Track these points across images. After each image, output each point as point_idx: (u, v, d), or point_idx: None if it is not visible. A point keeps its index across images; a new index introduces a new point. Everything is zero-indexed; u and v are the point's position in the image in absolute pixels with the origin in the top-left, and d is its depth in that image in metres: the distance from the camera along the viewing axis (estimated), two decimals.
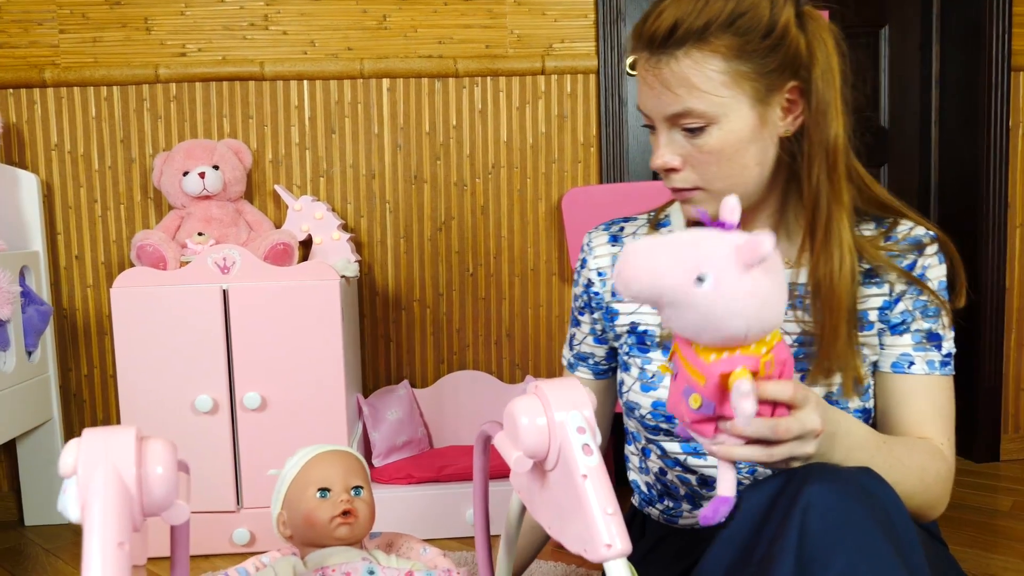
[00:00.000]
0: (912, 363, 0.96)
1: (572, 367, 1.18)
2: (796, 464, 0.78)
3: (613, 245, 1.09)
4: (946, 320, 0.97)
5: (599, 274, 1.08)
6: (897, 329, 0.97)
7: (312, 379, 1.87)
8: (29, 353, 2.03)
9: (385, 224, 2.24)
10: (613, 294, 1.07)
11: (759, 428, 0.74)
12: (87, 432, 0.74)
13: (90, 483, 0.70)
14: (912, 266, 0.97)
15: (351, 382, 2.03)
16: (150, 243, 1.88)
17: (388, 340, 2.28)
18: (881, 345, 0.98)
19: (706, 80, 0.86)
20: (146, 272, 1.84)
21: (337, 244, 2.12)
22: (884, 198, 0.99)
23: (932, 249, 0.97)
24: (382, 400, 2.18)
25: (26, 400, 1.97)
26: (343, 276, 1.93)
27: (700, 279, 0.71)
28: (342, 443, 1.89)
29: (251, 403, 1.84)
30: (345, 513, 1.07)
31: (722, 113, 0.87)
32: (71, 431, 2.16)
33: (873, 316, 0.97)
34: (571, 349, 1.17)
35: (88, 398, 2.18)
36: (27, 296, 2.00)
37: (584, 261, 1.12)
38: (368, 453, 2.11)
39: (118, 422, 2.01)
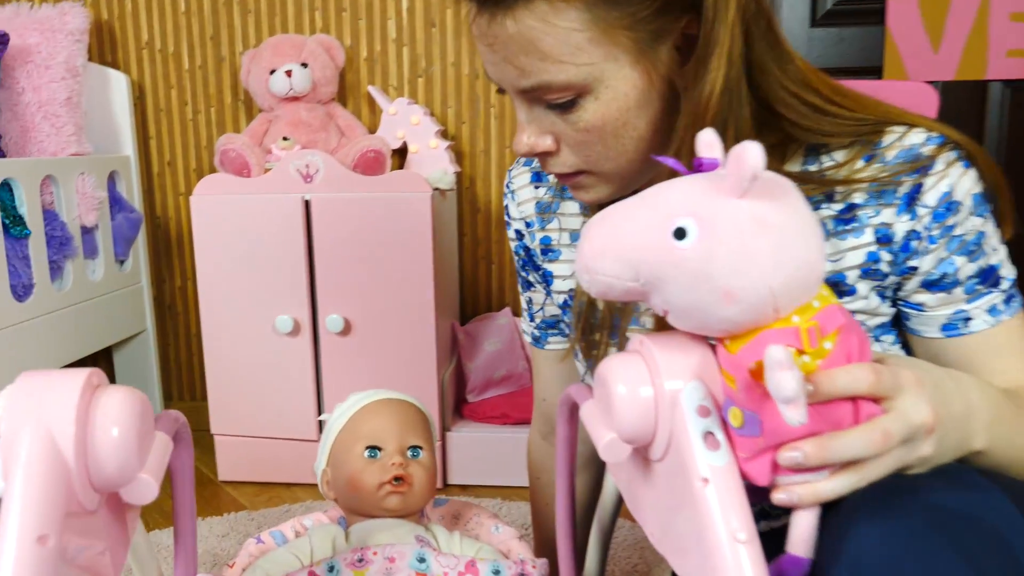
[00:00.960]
0: (969, 319, 0.69)
1: (540, 341, 0.97)
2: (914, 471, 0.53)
3: (537, 186, 0.87)
4: (992, 239, 0.68)
5: (527, 224, 0.89)
6: (937, 286, 0.69)
7: (401, 302, 1.69)
8: (121, 262, 1.96)
9: (489, 131, 1.99)
10: (544, 249, 0.87)
11: (849, 446, 0.48)
12: (22, 377, 0.56)
13: (12, 449, 0.52)
14: (915, 192, 0.66)
15: (446, 307, 1.84)
16: (233, 148, 1.72)
17: (489, 262, 2.06)
18: (899, 303, 0.71)
19: (562, 43, 0.62)
20: (225, 179, 1.69)
21: (434, 153, 1.89)
22: (864, 113, 0.68)
23: (944, 158, 0.66)
24: (480, 329, 1.98)
25: (118, 310, 1.91)
26: (436, 188, 1.71)
27: (679, 233, 0.48)
28: (431, 375, 1.72)
29: (334, 326, 1.68)
30: (397, 480, 0.87)
31: (594, 80, 0.64)
32: (165, 343, 2.11)
33: (853, 277, 0.70)
34: (531, 320, 0.97)
35: (182, 310, 2.10)
36: (116, 203, 1.91)
37: (507, 209, 0.91)
38: (461, 387, 1.93)
39: None
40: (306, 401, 1.72)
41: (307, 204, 1.67)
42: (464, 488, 1.76)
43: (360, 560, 0.81)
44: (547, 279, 0.90)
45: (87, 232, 1.79)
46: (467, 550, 0.88)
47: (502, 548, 0.92)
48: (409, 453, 0.90)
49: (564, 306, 0.90)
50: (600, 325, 0.82)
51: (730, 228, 0.47)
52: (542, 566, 0.86)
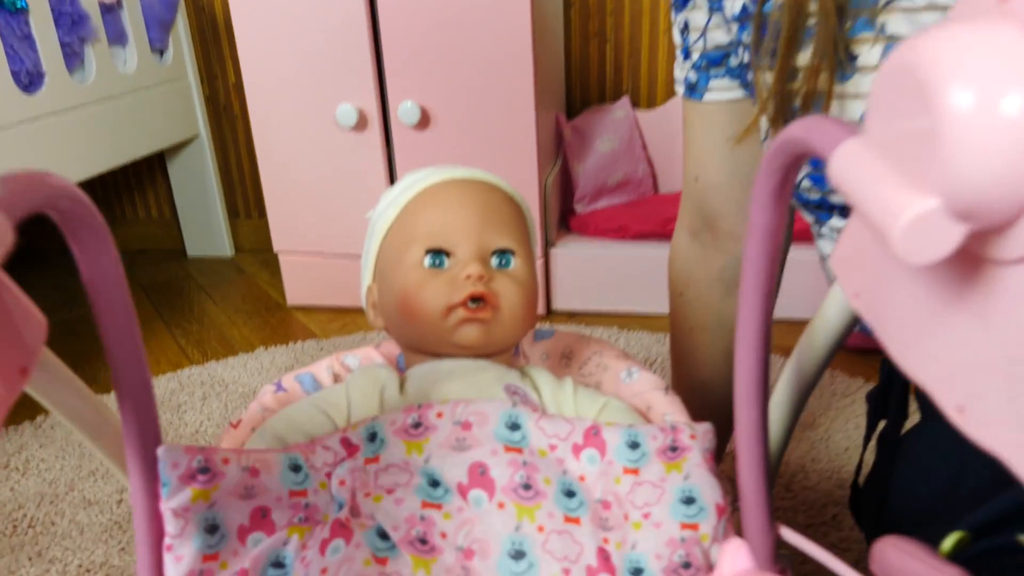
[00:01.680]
0: None
1: (696, 90, 0.68)
2: None
3: None
4: None
5: None
6: None
7: (491, 88, 1.32)
8: (160, 52, 1.65)
9: None
10: None
11: None
12: None
13: None
14: None
15: (549, 95, 1.45)
16: None
17: (603, 39, 1.64)
18: None
19: None
20: None
21: None
22: None
23: None
24: (592, 123, 1.60)
25: (162, 110, 1.62)
26: None
27: None
28: (531, 180, 1.37)
29: (408, 117, 1.34)
30: (475, 301, 0.54)
31: None
32: (224, 150, 1.83)
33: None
34: (685, 58, 0.68)
35: (240, 112, 1.80)
36: None
37: None
38: (568, 194, 1.58)
39: None
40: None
41: None
42: (571, 316, 1.46)
43: (416, 425, 0.50)
44: None
45: (108, 11, 1.47)
46: (585, 407, 0.57)
47: (638, 404, 0.60)
48: (494, 260, 0.57)
49: (742, 18, 0.58)
50: (815, 39, 0.52)
51: None
52: (705, 434, 0.53)
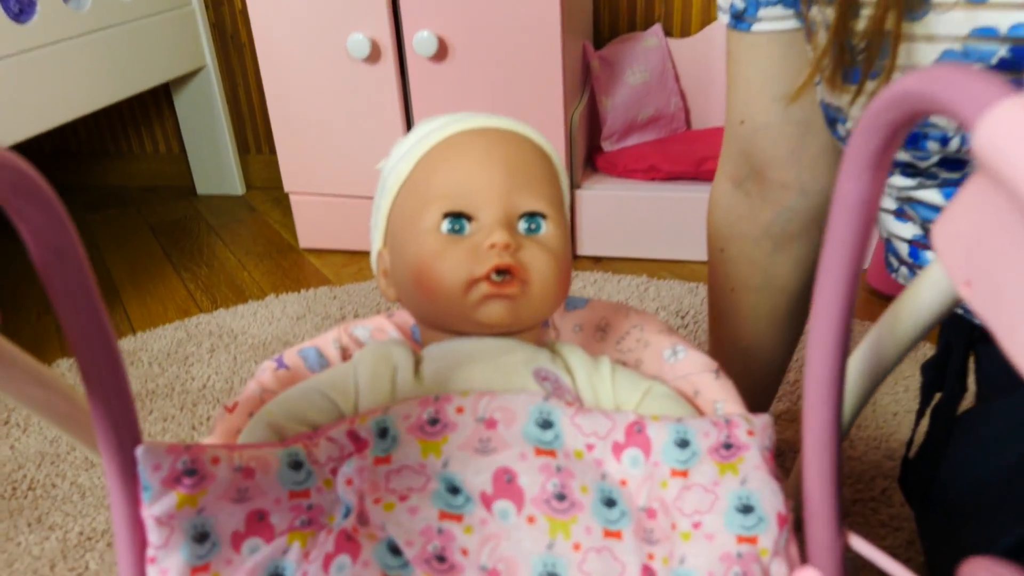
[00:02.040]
0: None
1: (743, 18, 0.60)
2: None
3: None
4: None
5: None
6: None
7: (513, 15, 1.22)
8: None
9: None
10: None
11: None
12: None
13: None
14: None
15: (575, 23, 1.35)
16: None
17: None
18: None
19: None
20: None
21: None
22: None
23: None
24: (621, 53, 1.49)
25: (165, 39, 1.53)
26: None
27: None
28: (557, 115, 1.28)
29: (424, 47, 1.24)
30: (500, 274, 0.47)
31: None
32: (232, 81, 1.74)
33: None
34: None
35: (247, 40, 1.70)
36: None
37: None
38: (595, 131, 1.49)
39: None
40: (389, 146, 1.34)
41: None
42: (596, 261, 1.38)
43: (433, 422, 0.44)
44: None
45: None
46: (625, 394, 0.50)
47: (683, 388, 0.53)
48: (522, 225, 0.50)
49: None
50: None
51: None
52: (764, 429, 0.47)
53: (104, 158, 1.89)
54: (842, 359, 0.38)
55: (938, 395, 0.60)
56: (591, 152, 1.48)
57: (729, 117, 0.65)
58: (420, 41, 1.24)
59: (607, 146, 1.47)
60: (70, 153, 1.90)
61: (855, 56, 0.49)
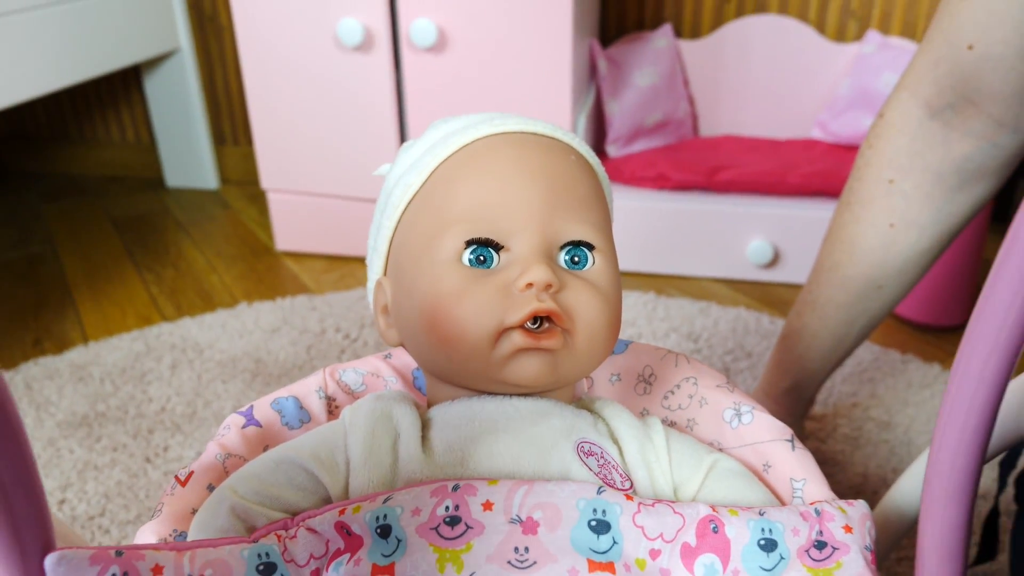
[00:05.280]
0: None
1: None
2: None
3: None
4: None
5: None
6: None
7: (520, 6, 1.11)
8: None
9: None
10: None
11: None
12: None
13: None
14: None
15: (584, 19, 1.24)
16: None
17: None
18: None
19: None
20: None
21: None
22: None
23: None
24: (629, 54, 1.39)
25: (137, 16, 1.40)
26: None
27: None
28: (563, 118, 1.17)
29: (422, 38, 1.13)
30: (538, 321, 0.37)
31: None
32: (209, 67, 1.61)
33: None
34: None
35: (227, 23, 1.58)
36: None
37: None
38: (600, 134, 1.39)
39: None
40: (385, 146, 1.22)
41: None
42: None
43: (453, 521, 0.33)
44: None
45: None
46: (687, 472, 0.40)
47: (751, 460, 0.43)
48: (563, 257, 0.39)
49: None
50: None
51: None
52: (862, 521, 0.37)
53: (65, 143, 1.76)
54: (984, 444, 0.29)
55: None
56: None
57: (948, 35, 0.58)
58: (418, 30, 1.13)
59: (612, 151, 1.37)
60: (27, 136, 1.76)
61: None
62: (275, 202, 1.32)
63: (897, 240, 0.64)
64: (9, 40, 1.12)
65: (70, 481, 0.82)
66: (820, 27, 1.41)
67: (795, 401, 0.75)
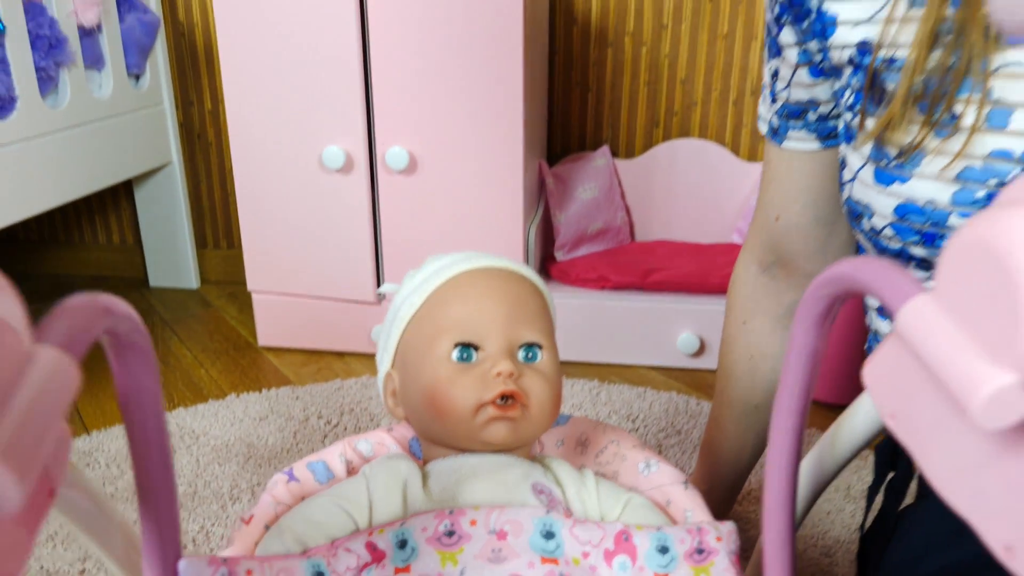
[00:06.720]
0: None
1: (778, 135, 0.70)
2: None
3: None
4: None
5: None
6: None
7: (479, 135, 1.31)
8: (136, 77, 1.60)
9: None
10: None
11: None
12: None
13: None
14: None
15: (534, 143, 1.46)
16: None
17: (585, 89, 1.65)
18: None
19: None
20: None
21: None
22: None
23: None
24: (573, 171, 1.60)
25: (135, 137, 1.57)
26: None
27: None
28: (516, 227, 1.37)
29: (396, 162, 1.32)
30: (504, 400, 0.53)
31: None
32: (195, 178, 1.78)
33: None
34: (772, 101, 0.70)
35: (214, 140, 1.76)
36: (126, 0, 1.53)
37: None
38: (549, 241, 1.58)
39: None
40: (361, 255, 1.40)
41: (361, 4, 1.27)
42: None
43: (450, 534, 0.49)
44: (823, 27, 0.59)
45: (87, 35, 1.42)
46: (609, 504, 0.56)
47: (656, 497, 0.60)
48: (521, 354, 0.56)
49: (858, 60, 0.58)
50: (937, 94, 0.52)
51: None
52: (729, 535, 0.53)
53: (53, 246, 1.89)
54: (794, 474, 0.45)
55: (890, 474, 0.65)
56: (545, 261, 1.57)
57: (763, 210, 0.74)
58: (393, 156, 1.32)
59: (559, 256, 1.56)
60: (16, 239, 1.89)
61: (888, 163, 0.56)
62: (259, 301, 1.47)
63: (758, 368, 0.77)
64: (14, 166, 1.26)
65: (88, 553, 0.93)
66: (735, 149, 1.64)
67: (716, 502, 0.85)
